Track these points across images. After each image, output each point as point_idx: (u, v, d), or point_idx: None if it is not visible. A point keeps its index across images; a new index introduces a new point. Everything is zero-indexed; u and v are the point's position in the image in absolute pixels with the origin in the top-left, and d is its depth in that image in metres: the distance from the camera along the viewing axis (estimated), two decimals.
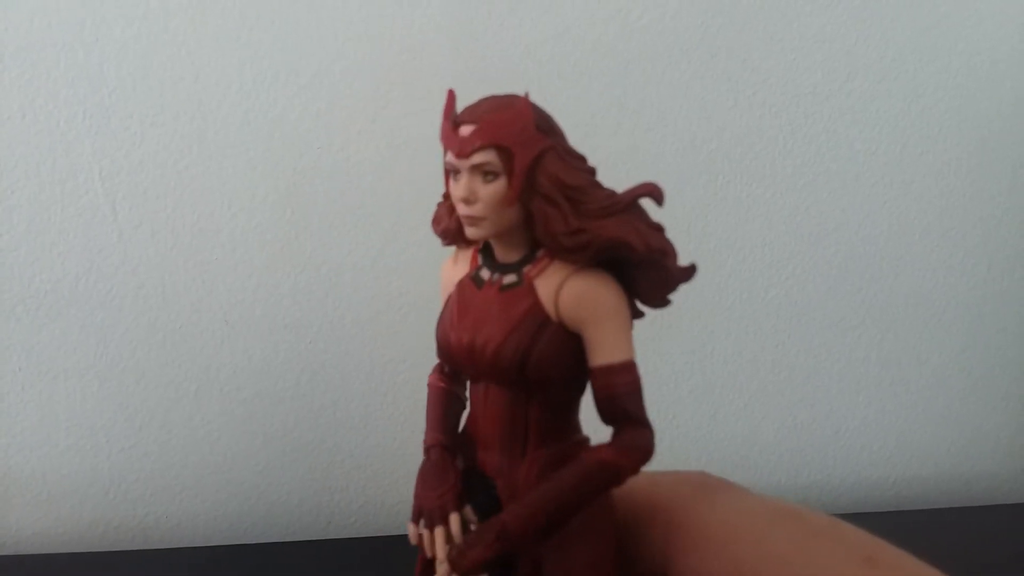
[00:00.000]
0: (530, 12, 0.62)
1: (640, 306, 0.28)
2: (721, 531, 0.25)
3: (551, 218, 0.25)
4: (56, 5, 0.58)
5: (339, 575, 0.61)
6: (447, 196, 0.28)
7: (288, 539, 0.67)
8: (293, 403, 0.66)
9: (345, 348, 0.65)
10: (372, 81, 0.61)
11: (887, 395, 0.73)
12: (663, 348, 0.68)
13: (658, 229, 0.26)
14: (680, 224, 0.66)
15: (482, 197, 0.26)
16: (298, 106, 0.61)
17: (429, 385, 0.31)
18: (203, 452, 0.66)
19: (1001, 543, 0.65)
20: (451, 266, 0.30)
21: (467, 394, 0.30)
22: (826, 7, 0.65)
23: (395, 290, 0.65)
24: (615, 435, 0.26)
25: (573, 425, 0.28)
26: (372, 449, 0.67)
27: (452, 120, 0.26)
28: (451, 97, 0.27)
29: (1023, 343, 0.73)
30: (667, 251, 0.26)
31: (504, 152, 0.25)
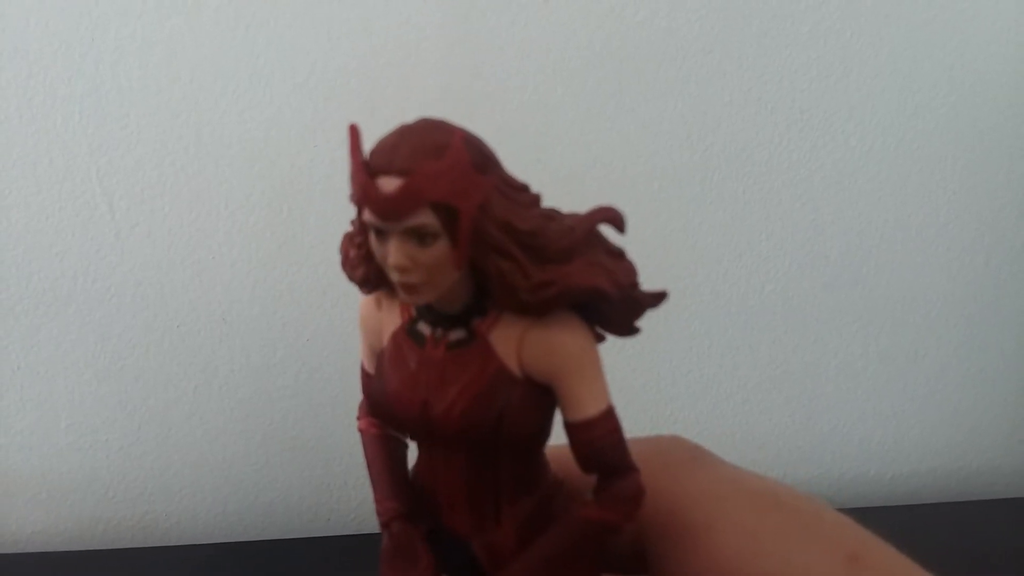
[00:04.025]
0: (525, 8, 0.62)
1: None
2: (699, 516, 0.23)
3: (508, 274, 0.21)
4: (53, 4, 0.58)
5: (339, 572, 0.61)
6: (358, 232, 0.23)
7: (288, 536, 0.67)
8: (292, 400, 0.66)
9: (342, 345, 0.65)
10: (368, 78, 0.61)
11: (884, 390, 0.73)
12: (661, 345, 0.68)
13: (620, 257, 0.23)
14: (676, 221, 0.66)
15: (421, 263, 0.21)
16: (294, 104, 0.61)
17: (362, 432, 0.27)
18: (202, 450, 0.66)
19: (999, 538, 0.66)
20: (375, 309, 0.25)
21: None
22: (821, 3, 0.65)
23: None
24: (599, 486, 0.24)
25: (543, 467, 0.26)
26: None
27: (366, 169, 0.21)
28: (355, 135, 0.22)
29: (1020, 338, 0.74)
30: (635, 281, 0.23)
31: (444, 209, 0.21)
